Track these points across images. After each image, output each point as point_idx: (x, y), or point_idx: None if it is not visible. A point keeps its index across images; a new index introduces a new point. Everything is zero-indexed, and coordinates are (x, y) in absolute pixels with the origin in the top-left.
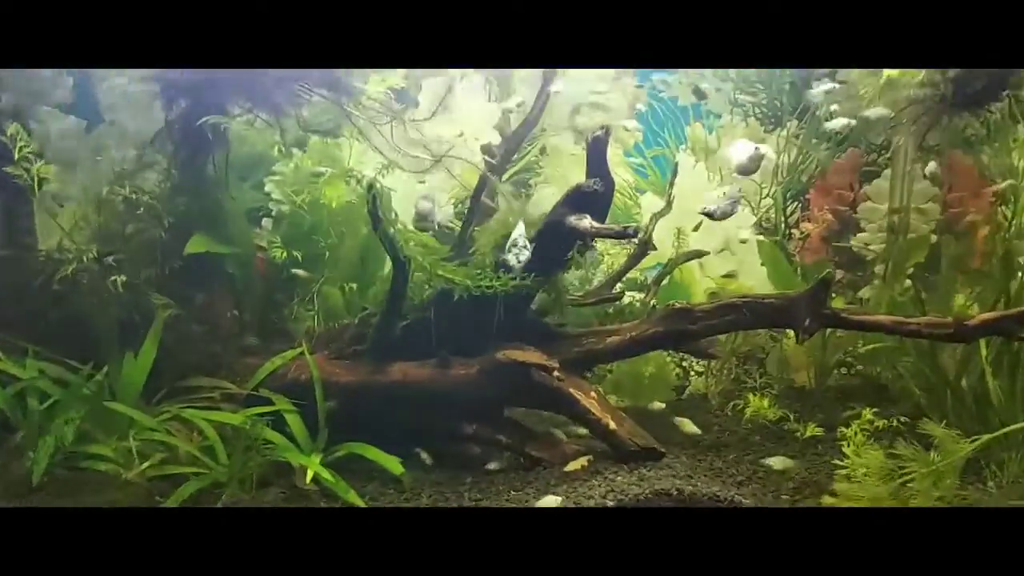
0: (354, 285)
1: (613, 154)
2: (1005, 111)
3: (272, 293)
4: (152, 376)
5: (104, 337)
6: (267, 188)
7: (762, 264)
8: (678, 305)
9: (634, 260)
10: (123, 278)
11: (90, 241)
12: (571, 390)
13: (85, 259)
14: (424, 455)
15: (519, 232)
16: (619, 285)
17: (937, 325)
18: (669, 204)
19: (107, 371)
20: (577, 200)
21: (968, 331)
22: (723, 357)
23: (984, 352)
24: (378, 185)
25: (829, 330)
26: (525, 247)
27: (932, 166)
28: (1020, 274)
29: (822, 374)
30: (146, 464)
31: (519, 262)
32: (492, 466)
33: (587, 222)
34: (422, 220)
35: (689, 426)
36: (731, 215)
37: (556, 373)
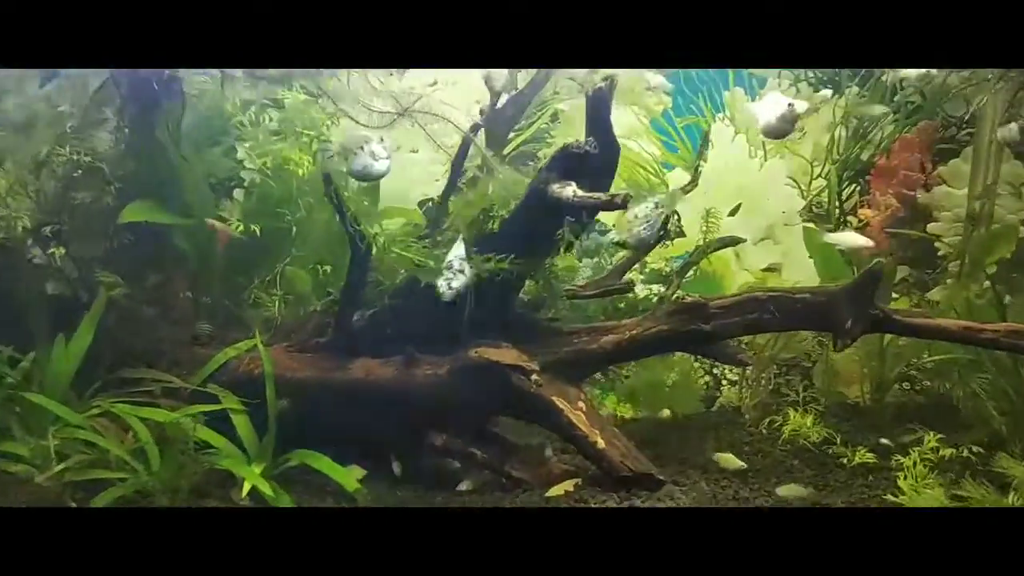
0: (328, 268)
1: (638, 124)
2: None
3: (234, 274)
4: (87, 365)
5: (35, 318)
6: (239, 154)
7: (810, 257)
8: (689, 299)
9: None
10: (61, 251)
11: (29, 209)
12: (553, 398)
13: (19, 228)
14: (395, 465)
15: (457, 253)
16: (634, 275)
17: (1021, 334)
18: (695, 179)
19: (35, 357)
20: (565, 164)
21: None
22: (758, 364)
23: None
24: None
25: (889, 337)
26: (461, 271)
27: (1013, 129)
28: None
29: (879, 389)
30: (61, 466)
31: (451, 289)
32: (463, 486)
33: (570, 190)
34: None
35: (732, 461)
36: (652, 242)
37: (534, 377)
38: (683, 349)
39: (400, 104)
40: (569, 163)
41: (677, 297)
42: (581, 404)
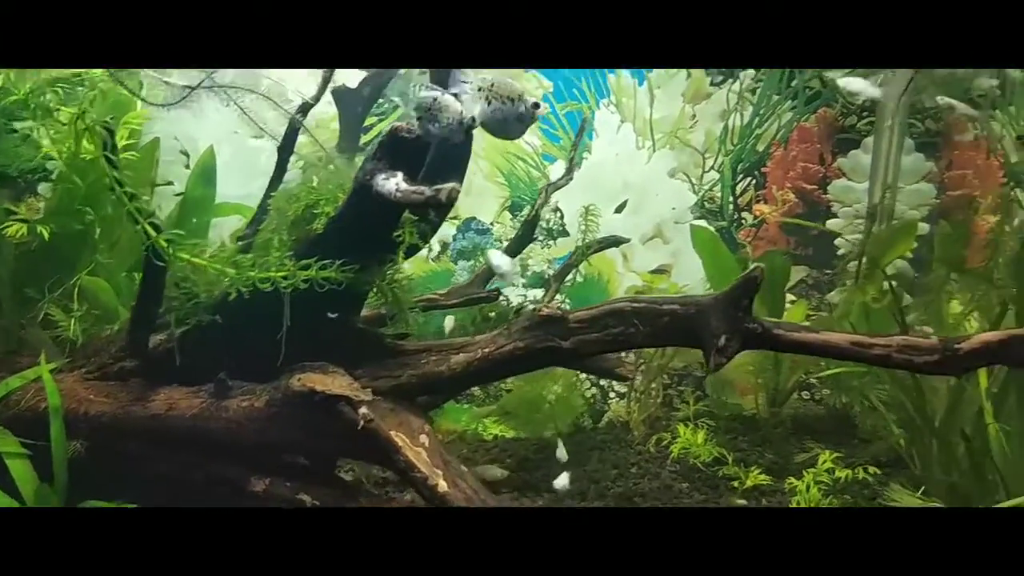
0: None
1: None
2: None
3: (24, 287)
4: None
5: None
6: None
7: (700, 256)
8: (546, 311)
9: (517, 245)
10: None
11: None
12: (391, 433)
13: None
14: None
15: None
16: (506, 286)
17: (916, 349)
18: (569, 172)
19: None
20: (394, 152)
21: (960, 359)
22: (646, 375)
23: (984, 382)
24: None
25: None
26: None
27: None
28: None
29: (776, 400)
30: None
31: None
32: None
33: (393, 183)
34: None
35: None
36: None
37: (362, 411)
38: (542, 367)
39: (213, 80)
40: (399, 150)
41: (534, 309)
42: (423, 439)
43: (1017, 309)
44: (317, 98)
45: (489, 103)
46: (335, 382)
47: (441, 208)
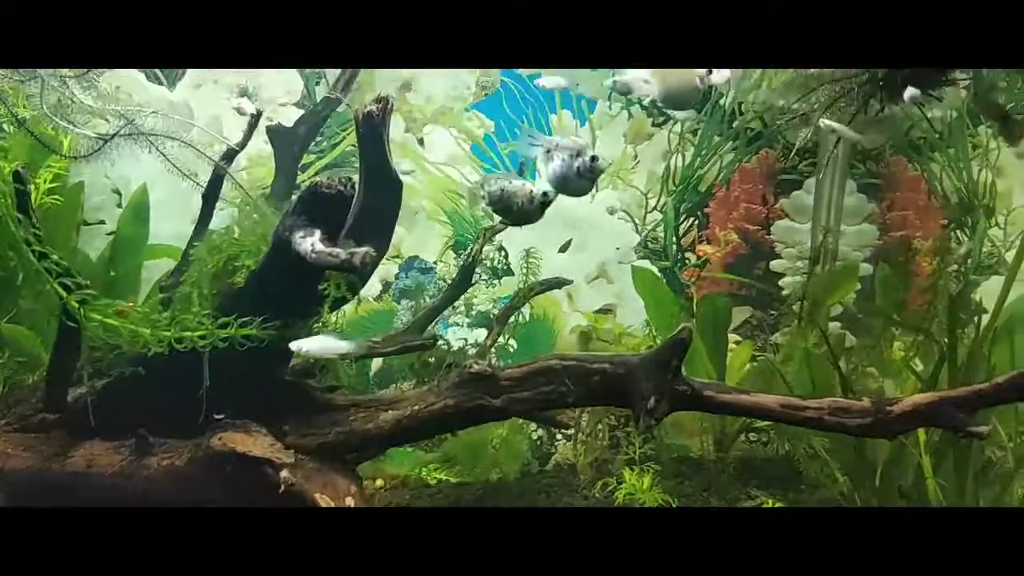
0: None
1: (456, 150)
2: (962, 106)
3: None
4: None
5: None
6: None
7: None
8: (475, 368)
9: (454, 291)
10: None
11: None
12: (316, 495)
13: None
14: None
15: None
16: (459, 317)
17: (848, 411)
18: None
19: None
20: (314, 208)
21: (891, 423)
22: (592, 416)
23: (922, 436)
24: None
25: None
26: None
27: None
28: (977, 319)
29: (723, 442)
30: None
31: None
32: None
33: (309, 243)
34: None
35: None
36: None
37: (283, 474)
38: (472, 425)
39: (135, 127)
40: (319, 206)
41: (464, 367)
42: (349, 501)
43: (949, 363)
44: (243, 144)
45: (552, 159)
46: (256, 443)
47: (356, 272)
